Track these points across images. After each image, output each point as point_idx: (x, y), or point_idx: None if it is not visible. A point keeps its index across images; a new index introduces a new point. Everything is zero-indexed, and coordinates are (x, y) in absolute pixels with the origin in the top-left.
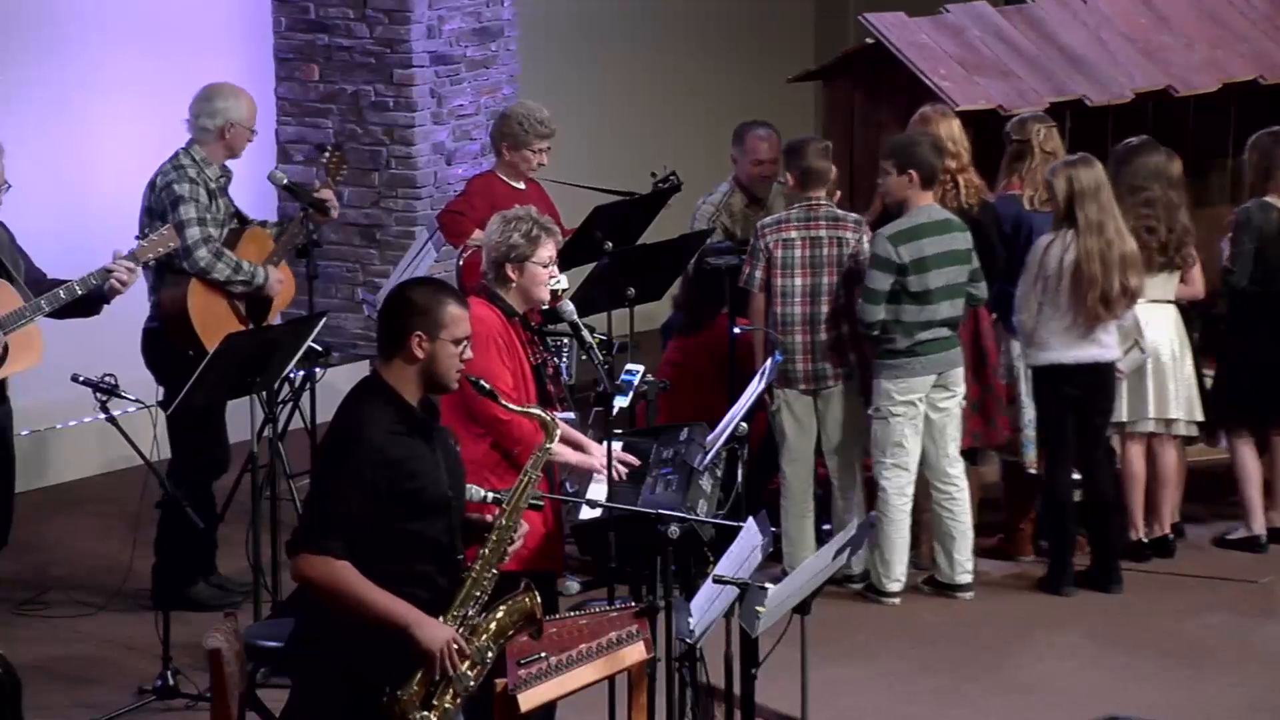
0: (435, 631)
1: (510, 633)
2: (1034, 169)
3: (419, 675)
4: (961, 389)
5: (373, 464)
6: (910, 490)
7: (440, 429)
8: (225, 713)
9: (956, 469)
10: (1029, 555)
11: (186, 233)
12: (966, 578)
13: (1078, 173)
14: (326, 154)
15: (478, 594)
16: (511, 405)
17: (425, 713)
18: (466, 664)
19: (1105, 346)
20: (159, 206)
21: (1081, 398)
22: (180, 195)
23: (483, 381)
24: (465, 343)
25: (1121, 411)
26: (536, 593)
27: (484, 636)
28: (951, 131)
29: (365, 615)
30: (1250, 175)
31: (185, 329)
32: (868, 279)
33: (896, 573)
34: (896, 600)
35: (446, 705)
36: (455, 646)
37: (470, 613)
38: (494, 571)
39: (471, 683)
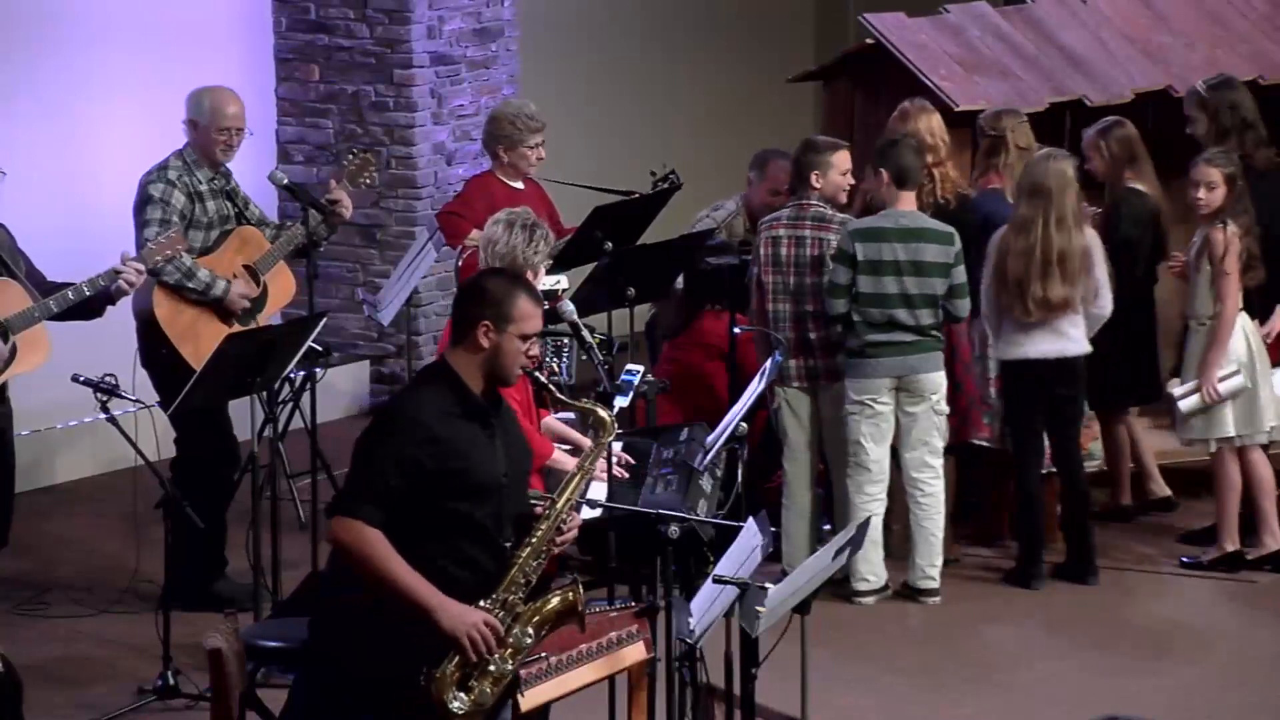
0: (461, 616)
1: (551, 623)
2: (1010, 164)
3: (454, 658)
4: (936, 396)
5: (417, 440)
6: (873, 490)
7: (504, 417)
8: (225, 713)
9: (924, 474)
10: (1004, 538)
11: (143, 234)
12: (928, 583)
13: (1032, 166)
14: (352, 156)
15: (521, 580)
16: (567, 399)
17: (462, 693)
18: (507, 650)
19: (1071, 339)
20: (137, 203)
21: (1051, 393)
22: (150, 196)
23: (539, 374)
24: (533, 339)
25: (1227, 426)
26: (581, 586)
27: (525, 624)
28: (930, 125)
29: (388, 589)
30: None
31: (153, 327)
32: (830, 273)
33: (861, 572)
34: (868, 600)
35: (486, 688)
36: (485, 630)
37: (511, 599)
38: (540, 560)
39: (509, 667)
